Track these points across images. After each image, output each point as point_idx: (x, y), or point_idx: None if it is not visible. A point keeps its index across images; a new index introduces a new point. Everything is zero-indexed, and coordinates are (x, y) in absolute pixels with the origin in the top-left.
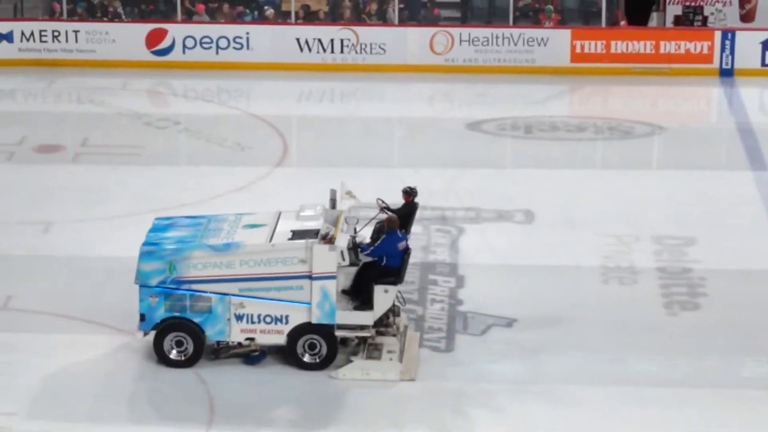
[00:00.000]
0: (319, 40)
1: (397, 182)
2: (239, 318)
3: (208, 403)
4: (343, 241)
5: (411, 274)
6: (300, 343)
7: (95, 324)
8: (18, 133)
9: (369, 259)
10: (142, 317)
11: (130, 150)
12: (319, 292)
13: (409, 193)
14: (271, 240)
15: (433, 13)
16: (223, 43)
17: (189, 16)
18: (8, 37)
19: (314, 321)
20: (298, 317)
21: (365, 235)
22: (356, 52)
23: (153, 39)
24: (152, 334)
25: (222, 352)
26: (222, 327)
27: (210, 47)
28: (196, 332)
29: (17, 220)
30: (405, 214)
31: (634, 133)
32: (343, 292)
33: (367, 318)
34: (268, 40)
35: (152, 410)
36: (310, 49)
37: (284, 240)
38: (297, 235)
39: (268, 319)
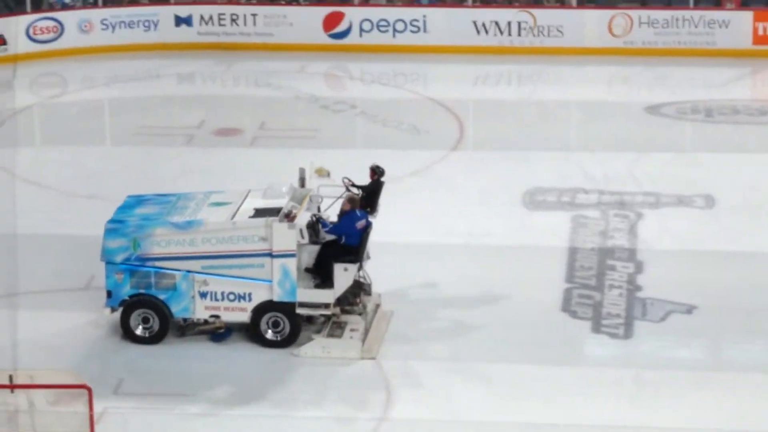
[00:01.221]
0: (496, 23)
1: (574, 166)
2: (203, 295)
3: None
4: (304, 219)
5: (588, 259)
6: (263, 320)
7: None
8: (197, 116)
9: (331, 237)
10: (109, 294)
11: (306, 133)
12: (279, 270)
13: (375, 171)
14: (233, 218)
15: None
16: (399, 26)
17: (366, 0)
18: (187, 21)
19: (275, 299)
20: (260, 295)
21: (332, 213)
22: (533, 35)
23: (330, 22)
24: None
25: (188, 329)
26: (186, 304)
27: (387, 30)
28: (162, 309)
29: None
30: (371, 192)
31: None
32: (306, 270)
33: (327, 296)
34: (445, 22)
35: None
36: (487, 32)
37: (245, 218)
38: (259, 213)
39: (231, 297)
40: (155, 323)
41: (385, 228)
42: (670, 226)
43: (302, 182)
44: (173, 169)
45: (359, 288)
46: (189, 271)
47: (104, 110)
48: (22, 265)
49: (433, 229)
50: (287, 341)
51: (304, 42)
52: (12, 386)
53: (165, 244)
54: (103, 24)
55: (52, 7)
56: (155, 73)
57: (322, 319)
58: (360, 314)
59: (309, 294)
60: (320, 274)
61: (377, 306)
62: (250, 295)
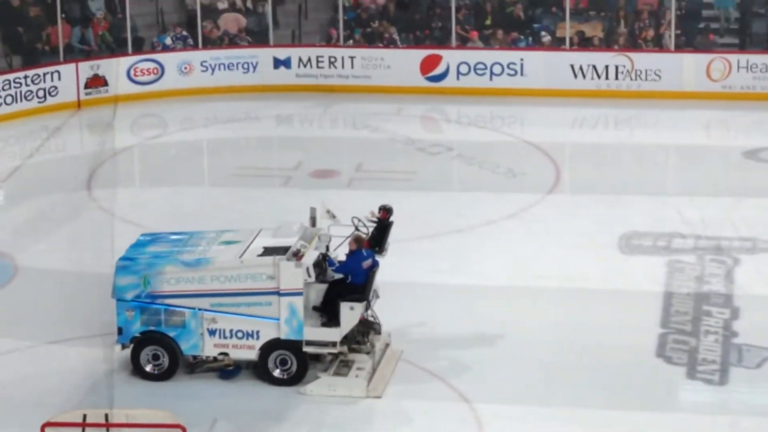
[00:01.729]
0: (594, 66)
1: (672, 210)
2: (212, 333)
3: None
4: (312, 258)
5: (684, 304)
6: (271, 358)
7: None
8: (295, 157)
9: (338, 276)
10: (120, 330)
11: (403, 175)
12: (287, 308)
13: (385, 211)
14: (241, 257)
15: (709, 39)
16: (497, 69)
17: (463, 43)
18: (286, 63)
19: (283, 337)
20: (268, 333)
21: (341, 252)
22: (631, 79)
23: (428, 65)
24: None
25: (197, 366)
26: (196, 341)
27: (484, 73)
28: (172, 346)
29: None
30: (379, 231)
31: None
32: (314, 308)
33: (333, 334)
34: (543, 66)
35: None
36: (584, 75)
37: (253, 256)
38: (267, 251)
39: (239, 334)
40: (165, 360)
41: (480, 271)
42: (767, 271)
43: (313, 222)
44: (270, 210)
45: (368, 327)
46: (198, 309)
47: (203, 151)
48: None
49: (527, 272)
50: (294, 379)
51: (402, 84)
52: (108, 425)
53: (175, 282)
54: (203, 66)
55: (153, 49)
56: (253, 115)
57: (330, 357)
58: (367, 353)
59: (316, 332)
60: (327, 312)
61: (387, 345)
62: (258, 332)
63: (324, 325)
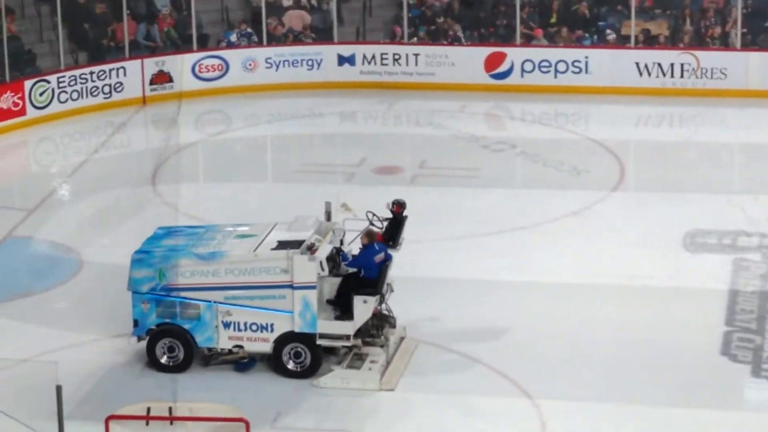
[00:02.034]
0: (659, 64)
1: (736, 209)
2: (226, 325)
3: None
4: (326, 252)
5: (749, 302)
6: (285, 351)
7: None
8: (358, 154)
9: (351, 270)
10: (135, 323)
11: (466, 172)
12: (300, 301)
13: (399, 205)
14: (255, 250)
15: None
16: (561, 66)
17: (528, 40)
18: (350, 60)
19: (296, 330)
20: (282, 326)
21: (355, 247)
22: (696, 77)
23: (492, 62)
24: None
25: (212, 358)
26: (210, 334)
27: (548, 71)
28: (187, 339)
29: (356, 240)
30: (393, 226)
31: None
32: (328, 301)
33: (347, 328)
34: (607, 64)
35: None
36: (649, 74)
37: (268, 250)
38: (282, 245)
39: (254, 327)
40: (180, 352)
41: (543, 268)
42: None
43: (328, 216)
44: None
45: (384, 320)
46: (213, 302)
47: (266, 148)
48: None
49: (591, 270)
50: (308, 372)
51: (466, 82)
52: (172, 418)
53: (189, 275)
54: (267, 62)
55: (217, 46)
56: (317, 112)
57: (344, 350)
58: (381, 346)
59: (329, 326)
60: (340, 306)
61: (402, 339)
62: (272, 325)
63: (337, 318)
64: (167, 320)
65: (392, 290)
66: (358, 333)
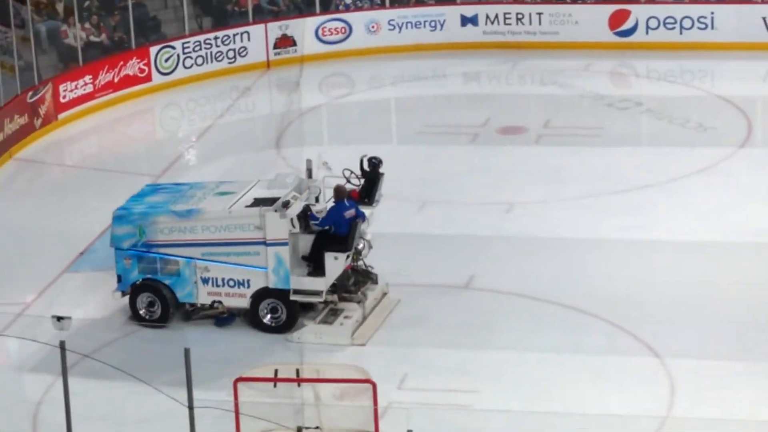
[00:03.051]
0: None
1: None
2: (205, 281)
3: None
4: (297, 209)
5: None
6: (262, 306)
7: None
8: (482, 115)
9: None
10: (119, 278)
11: (591, 131)
12: (273, 257)
13: (372, 164)
14: (231, 207)
15: None
16: (687, 23)
17: None
18: (473, 21)
19: (271, 286)
20: (258, 282)
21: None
22: None
23: (616, 20)
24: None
25: (193, 313)
26: (190, 290)
27: (673, 27)
28: (164, 294)
29: (481, 200)
30: (370, 183)
31: None
32: (303, 258)
33: (319, 284)
34: (734, 19)
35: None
36: None
37: (242, 207)
38: (258, 202)
39: (231, 283)
40: (159, 307)
41: (670, 226)
42: None
43: (309, 173)
44: (458, 167)
45: (366, 277)
46: (191, 258)
47: (390, 110)
48: None
49: (719, 227)
50: (284, 327)
51: (590, 40)
52: (299, 380)
53: (168, 232)
54: (390, 24)
55: (346, 8)
56: (441, 73)
57: (321, 305)
58: (359, 302)
59: (302, 282)
60: (313, 262)
61: (384, 295)
62: (248, 281)
63: (310, 274)
64: (149, 276)
65: (371, 246)
66: (335, 288)
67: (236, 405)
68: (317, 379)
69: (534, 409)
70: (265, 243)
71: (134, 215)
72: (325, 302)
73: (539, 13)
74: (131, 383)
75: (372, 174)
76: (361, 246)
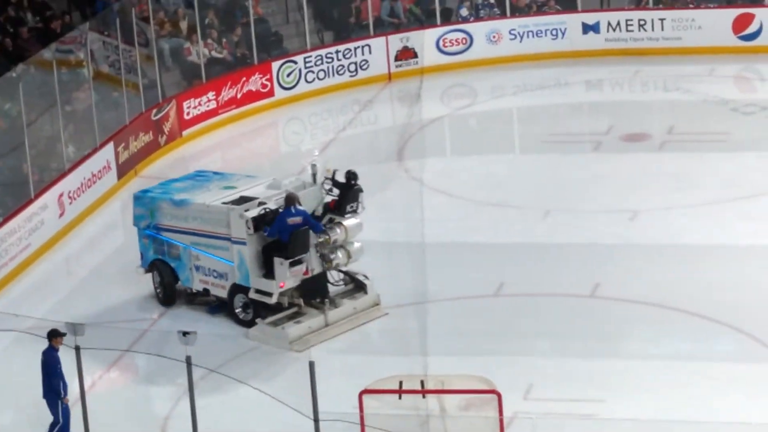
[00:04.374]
0: None
1: None
2: (197, 269)
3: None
4: (255, 212)
5: None
6: (236, 299)
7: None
8: (605, 122)
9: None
10: (142, 255)
11: (716, 137)
12: (237, 255)
13: (348, 177)
14: (212, 202)
15: None
16: None
17: None
18: (595, 28)
19: (236, 281)
20: (233, 276)
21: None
22: None
23: (740, 24)
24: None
25: (194, 298)
26: (188, 275)
27: None
28: (168, 275)
29: (605, 208)
30: (342, 195)
31: None
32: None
33: (270, 286)
34: None
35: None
36: None
37: (218, 203)
38: (240, 200)
39: (215, 274)
40: (164, 287)
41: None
42: None
43: (314, 178)
44: (581, 175)
45: (358, 285)
46: (187, 245)
47: (512, 119)
48: (433, 273)
49: None
50: (252, 323)
51: (713, 45)
52: (424, 391)
53: (170, 218)
54: (511, 34)
55: (464, 19)
56: (563, 81)
57: (287, 306)
58: (318, 308)
59: (259, 282)
60: (266, 265)
61: (375, 305)
62: (226, 274)
63: (265, 276)
64: (160, 257)
65: (350, 257)
66: (307, 293)
67: (361, 417)
68: (442, 390)
69: (662, 417)
70: (230, 240)
71: (146, 198)
72: (290, 304)
73: (662, 19)
74: (256, 396)
75: (346, 186)
76: (326, 253)
